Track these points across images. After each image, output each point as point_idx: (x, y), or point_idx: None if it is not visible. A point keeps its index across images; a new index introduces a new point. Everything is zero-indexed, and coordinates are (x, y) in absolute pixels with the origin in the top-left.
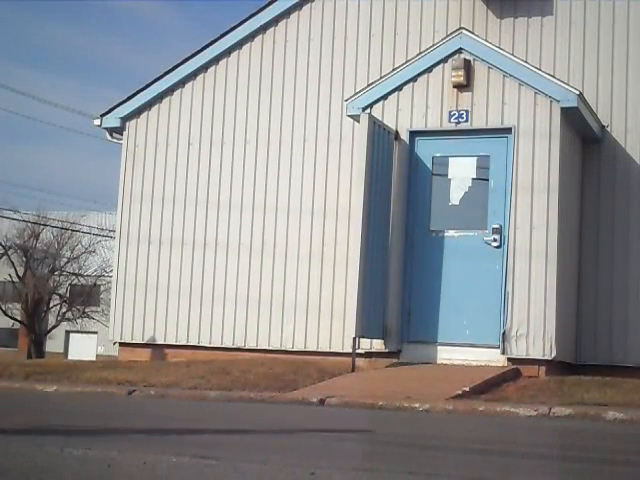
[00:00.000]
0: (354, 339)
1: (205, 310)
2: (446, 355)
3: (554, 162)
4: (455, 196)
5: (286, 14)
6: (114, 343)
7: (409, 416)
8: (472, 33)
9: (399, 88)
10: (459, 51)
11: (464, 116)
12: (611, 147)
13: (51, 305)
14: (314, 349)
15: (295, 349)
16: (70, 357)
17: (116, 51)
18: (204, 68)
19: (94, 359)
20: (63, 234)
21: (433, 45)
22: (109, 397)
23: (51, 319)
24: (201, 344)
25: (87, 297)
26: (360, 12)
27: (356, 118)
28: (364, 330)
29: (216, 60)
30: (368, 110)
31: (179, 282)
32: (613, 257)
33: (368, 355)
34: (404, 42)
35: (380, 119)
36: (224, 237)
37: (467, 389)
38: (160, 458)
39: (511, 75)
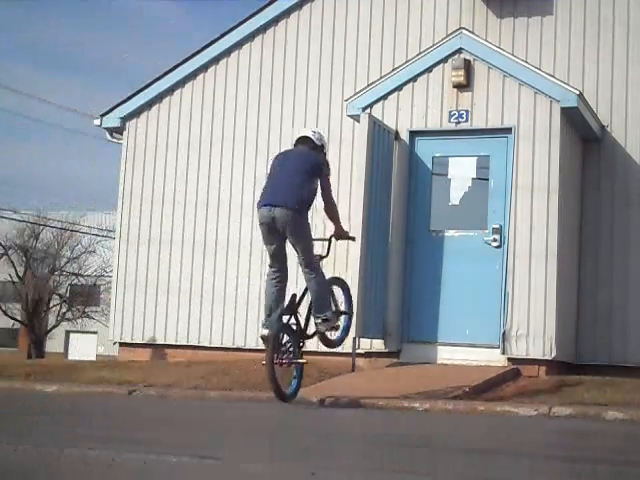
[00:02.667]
0: (354, 339)
1: (205, 310)
2: (446, 355)
3: (554, 162)
4: (455, 196)
5: (286, 14)
6: (114, 343)
7: (409, 416)
8: (472, 33)
9: (399, 88)
10: (459, 51)
11: (464, 116)
12: (611, 147)
13: (51, 305)
14: (314, 349)
15: None
16: (70, 357)
17: (119, 51)
18: (204, 68)
19: (94, 359)
20: (63, 234)
21: (433, 45)
22: (109, 397)
23: (51, 319)
24: (201, 344)
25: (87, 297)
26: (360, 12)
27: (356, 118)
28: (364, 330)
29: (216, 60)
30: (368, 110)
31: (179, 282)
32: (613, 257)
33: (368, 355)
34: (404, 42)
35: (380, 119)
36: (224, 237)
37: (467, 389)
38: (160, 458)
39: (511, 75)
